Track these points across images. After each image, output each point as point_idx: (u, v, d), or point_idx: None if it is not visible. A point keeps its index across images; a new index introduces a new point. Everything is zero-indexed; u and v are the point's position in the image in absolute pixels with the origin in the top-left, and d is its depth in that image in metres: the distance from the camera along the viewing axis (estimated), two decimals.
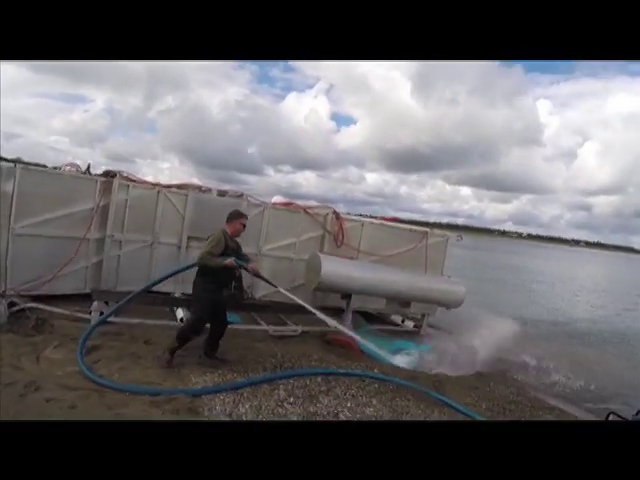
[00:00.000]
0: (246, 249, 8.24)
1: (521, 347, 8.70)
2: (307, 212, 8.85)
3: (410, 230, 9.48)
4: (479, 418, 5.67)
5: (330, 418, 5.02)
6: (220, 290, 5.74)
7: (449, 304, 8.75)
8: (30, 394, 4.47)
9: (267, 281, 6.24)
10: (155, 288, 7.91)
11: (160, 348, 6.13)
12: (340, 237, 8.76)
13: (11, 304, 6.45)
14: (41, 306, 6.61)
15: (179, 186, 8.23)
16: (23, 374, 4.87)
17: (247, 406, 5.00)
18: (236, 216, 5.89)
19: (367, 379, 6.24)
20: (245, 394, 5.26)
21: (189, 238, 8.14)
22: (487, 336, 8.84)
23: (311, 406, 5.23)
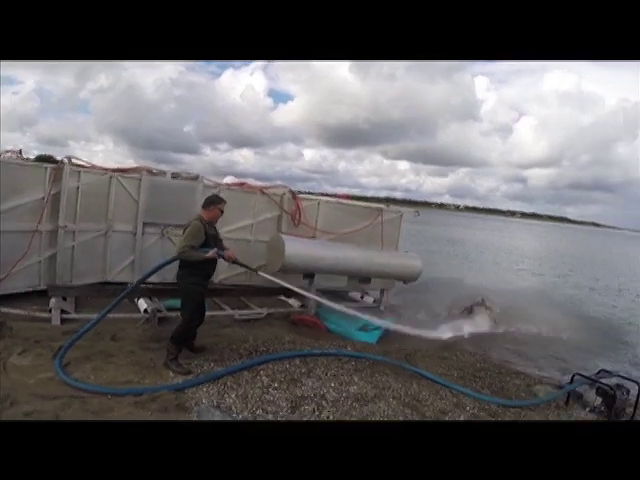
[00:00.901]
0: None
1: (476, 315, 9.06)
2: (263, 192, 8.72)
3: (365, 207, 9.55)
4: (455, 387, 5.92)
5: (317, 400, 5.04)
6: (206, 281, 5.60)
7: (407, 278, 8.93)
8: (6, 410, 4.09)
9: (245, 266, 6.07)
10: (111, 279, 7.60)
11: (128, 343, 5.93)
12: (297, 216, 8.71)
13: None
14: None
15: (131, 169, 7.84)
16: None
17: (233, 396, 4.95)
18: (214, 201, 5.58)
19: (343, 357, 6.32)
20: (228, 383, 5.18)
21: (145, 224, 7.82)
22: (443, 307, 9.17)
23: (296, 389, 5.24)
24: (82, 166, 7.32)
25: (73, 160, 7.18)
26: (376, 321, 6.85)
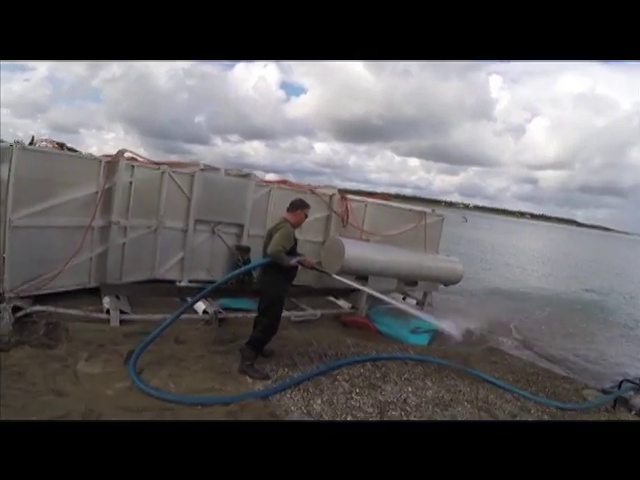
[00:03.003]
0: (253, 231, 7.81)
1: (508, 318, 9.07)
2: (313, 192, 8.57)
3: (410, 210, 9.46)
4: (518, 391, 5.90)
5: (401, 405, 4.98)
6: (289, 287, 5.50)
7: (450, 281, 8.88)
8: None
9: (322, 271, 5.85)
10: (159, 276, 7.32)
11: (194, 346, 5.65)
12: (346, 217, 8.60)
13: (15, 308, 5.45)
14: (52, 308, 5.70)
15: (183, 164, 7.57)
16: (70, 400, 4.07)
17: (319, 402, 4.79)
18: (300, 205, 5.35)
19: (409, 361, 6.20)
20: (310, 389, 5.00)
21: (196, 221, 7.54)
22: (480, 310, 9.11)
23: (378, 395, 5.13)
24: (135, 160, 6.99)
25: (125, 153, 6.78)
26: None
